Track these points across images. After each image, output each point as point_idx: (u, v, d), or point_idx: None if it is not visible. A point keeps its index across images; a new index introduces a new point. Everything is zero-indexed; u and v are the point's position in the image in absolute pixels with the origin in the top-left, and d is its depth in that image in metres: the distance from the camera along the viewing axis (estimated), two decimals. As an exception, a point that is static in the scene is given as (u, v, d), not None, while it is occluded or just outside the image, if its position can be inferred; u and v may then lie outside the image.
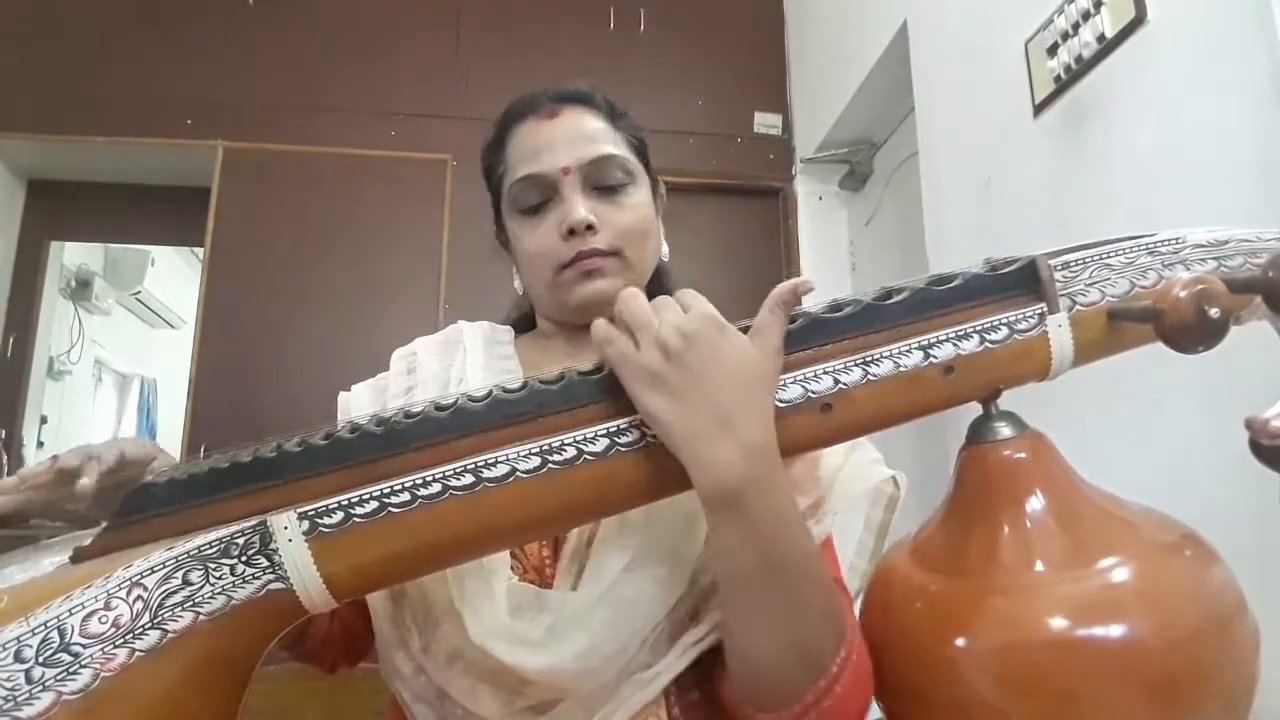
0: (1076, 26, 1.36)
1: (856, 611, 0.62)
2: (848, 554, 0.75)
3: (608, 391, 0.54)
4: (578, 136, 0.77)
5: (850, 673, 0.55)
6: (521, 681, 0.63)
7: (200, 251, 2.57)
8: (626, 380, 0.53)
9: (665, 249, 0.85)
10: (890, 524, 0.75)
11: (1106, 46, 1.30)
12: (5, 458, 2.50)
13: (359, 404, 0.82)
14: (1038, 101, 1.50)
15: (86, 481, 0.63)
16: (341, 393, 0.85)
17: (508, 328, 0.88)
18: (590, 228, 0.74)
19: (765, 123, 2.87)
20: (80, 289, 3.79)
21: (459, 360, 0.81)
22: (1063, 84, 1.41)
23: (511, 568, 0.68)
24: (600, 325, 0.55)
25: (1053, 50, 1.43)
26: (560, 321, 0.82)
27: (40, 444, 3.04)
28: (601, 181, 0.76)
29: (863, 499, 0.73)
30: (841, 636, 0.56)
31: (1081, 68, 1.36)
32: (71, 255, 3.59)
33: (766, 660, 0.56)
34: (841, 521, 0.75)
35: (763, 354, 0.53)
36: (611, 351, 0.54)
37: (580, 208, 0.74)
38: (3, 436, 2.57)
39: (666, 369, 0.52)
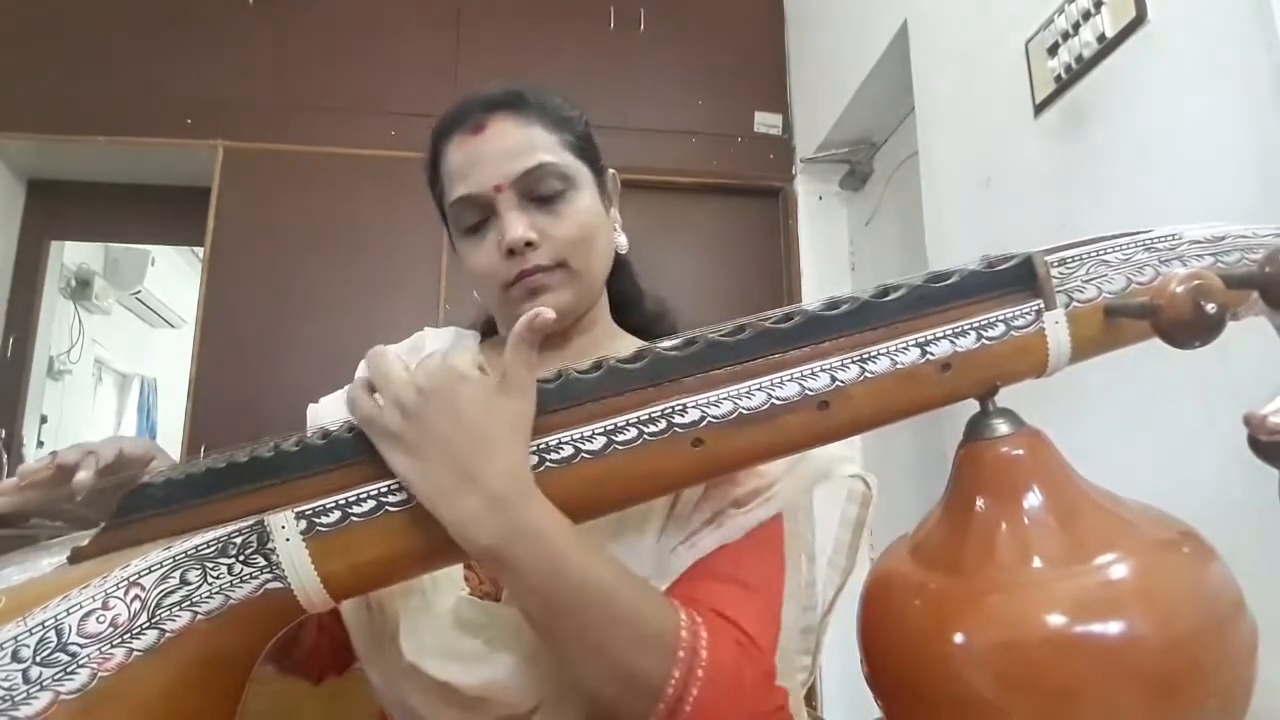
0: (1077, 26, 1.36)
1: (855, 610, 0.62)
2: (827, 551, 0.75)
3: (605, 390, 0.54)
4: (507, 150, 0.73)
5: (701, 690, 0.55)
6: (472, 699, 0.63)
7: (200, 251, 2.57)
8: (375, 441, 0.53)
9: (623, 241, 0.82)
10: (866, 520, 0.75)
11: (1107, 46, 1.30)
12: (5, 457, 2.50)
13: (327, 415, 0.81)
14: (1038, 101, 1.49)
15: (84, 475, 0.63)
16: (310, 405, 0.85)
17: (474, 333, 0.87)
18: (530, 244, 0.72)
19: (765, 123, 2.87)
20: (80, 289, 3.79)
21: None
22: (1063, 84, 1.41)
23: (465, 578, 0.68)
24: (353, 388, 0.55)
25: (1053, 50, 1.43)
26: None
27: (40, 444, 3.04)
28: (537, 192, 0.73)
29: (813, 484, 0.72)
30: (670, 656, 0.55)
31: (1082, 68, 1.36)
32: (71, 255, 3.59)
33: (594, 691, 0.56)
34: (819, 517, 0.75)
35: (507, 398, 0.53)
36: (358, 414, 0.54)
37: (517, 226, 0.72)
38: (3, 436, 2.58)
39: (404, 427, 0.52)
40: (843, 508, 0.75)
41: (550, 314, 0.55)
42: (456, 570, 0.68)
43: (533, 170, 0.73)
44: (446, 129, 0.78)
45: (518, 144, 0.74)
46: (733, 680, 0.57)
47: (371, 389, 0.54)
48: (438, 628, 0.64)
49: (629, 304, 0.86)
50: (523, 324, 0.54)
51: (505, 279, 0.73)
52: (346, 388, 0.55)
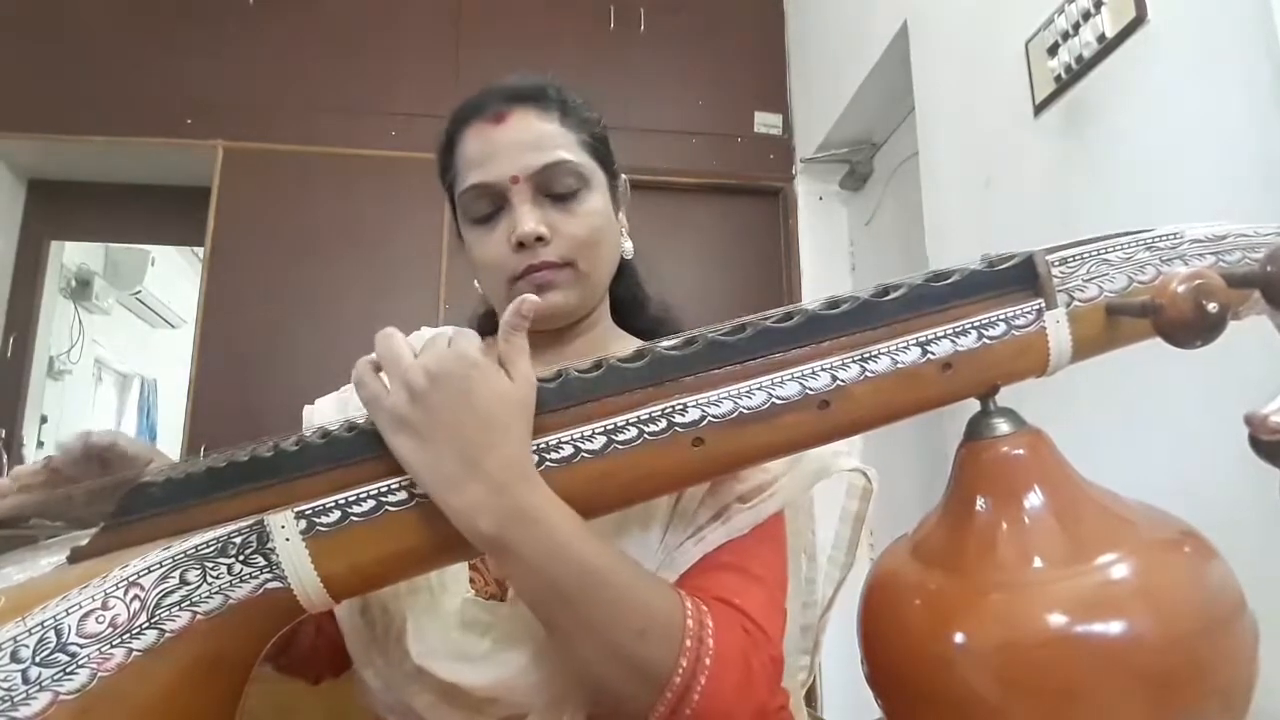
0: (1077, 26, 1.36)
1: (855, 608, 0.62)
2: (827, 549, 0.75)
3: (604, 389, 0.54)
4: (526, 143, 0.73)
5: (709, 682, 0.55)
6: (480, 700, 0.62)
7: (200, 251, 2.57)
8: (378, 423, 0.53)
9: (629, 246, 0.82)
10: (865, 514, 0.75)
11: (1107, 46, 1.30)
12: (5, 458, 2.50)
13: (323, 416, 0.81)
14: (1038, 101, 1.49)
15: (74, 444, 0.63)
16: (306, 406, 0.84)
17: (473, 332, 0.87)
18: (541, 239, 0.72)
19: (765, 123, 2.87)
20: (80, 289, 3.79)
21: None
22: (1063, 84, 1.41)
23: (471, 580, 0.68)
24: (360, 367, 0.54)
25: (1053, 50, 1.43)
26: None
27: (40, 444, 3.04)
28: (552, 189, 0.73)
29: (814, 480, 0.71)
30: (677, 645, 0.55)
31: (1082, 68, 1.36)
32: (71, 255, 3.59)
33: (601, 682, 0.56)
34: (819, 514, 0.75)
35: (513, 384, 0.53)
36: (363, 394, 0.53)
37: (528, 220, 0.71)
38: (3, 436, 2.57)
39: (411, 411, 0.51)
40: (843, 503, 0.74)
41: (537, 300, 0.55)
42: (461, 571, 0.68)
43: (550, 166, 0.73)
44: (466, 115, 0.76)
45: (538, 138, 0.73)
46: (741, 668, 0.57)
47: (378, 370, 0.54)
48: (445, 628, 0.64)
49: (632, 307, 0.86)
50: (511, 311, 0.54)
51: (513, 272, 0.73)
52: (355, 367, 0.55)
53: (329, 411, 0.82)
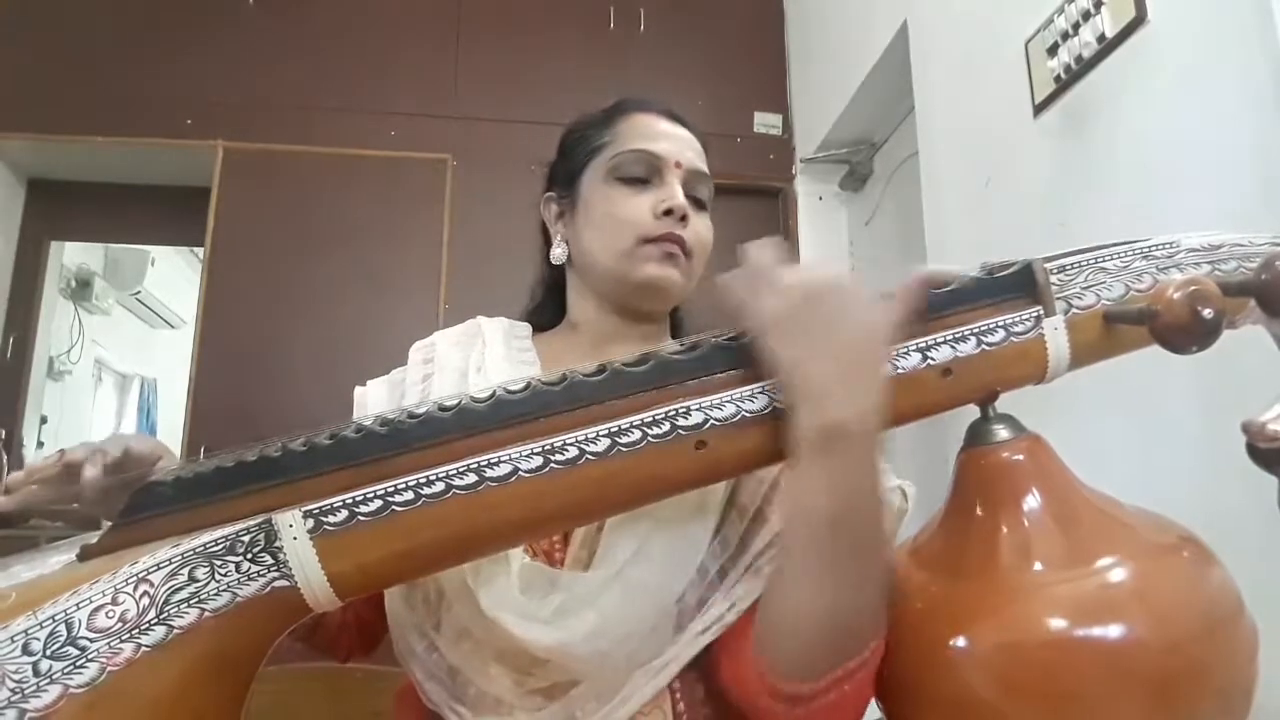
0: (1076, 26, 1.37)
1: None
2: None
3: (609, 392, 0.55)
4: (691, 147, 0.83)
5: (863, 673, 0.55)
6: (532, 662, 0.63)
7: (200, 251, 2.58)
8: (755, 328, 0.54)
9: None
10: (896, 535, 0.75)
11: (1106, 46, 1.31)
12: (5, 458, 2.51)
13: (375, 398, 0.82)
14: (1038, 101, 1.50)
15: (91, 472, 0.63)
16: (357, 388, 0.85)
17: (525, 324, 0.88)
18: (685, 218, 0.78)
19: (765, 123, 2.87)
20: (80, 289, 3.79)
21: (478, 351, 0.81)
22: (1063, 84, 1.42)
23: (524, 548, 0.69)
24: (731, 278, 0.56)
25: (1053, 50, 1.43)
26: (606, 297, 0.82)
27: (40, 444, 3.04)
28: (696, 193, 0.81)
29: None
30: (880, 628, 0.56)
31: (1082, 68, 1.37)
32: (71, 255, 3.59)
33: (806, 624, 0.55)
34: None
35: (877, 318, 0.54)
36: (741, 297, 0.55)
37: (682, 196, 0.78)
38: (3, 436, 2.58)
39: (797, 314, 0.53)
40: None
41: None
42: None
43: (702, 173, 0.82)
44: (637, 104, 0.85)
45: (699, 149, 0.84)
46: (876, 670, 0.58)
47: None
48: (510, 588, 0.65)
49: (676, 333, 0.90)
50: (923, 276, 0.55)
51: (649, 233, 0.77)
52: (724, 277, 0.57)
53: (381, 393, 0.82)
